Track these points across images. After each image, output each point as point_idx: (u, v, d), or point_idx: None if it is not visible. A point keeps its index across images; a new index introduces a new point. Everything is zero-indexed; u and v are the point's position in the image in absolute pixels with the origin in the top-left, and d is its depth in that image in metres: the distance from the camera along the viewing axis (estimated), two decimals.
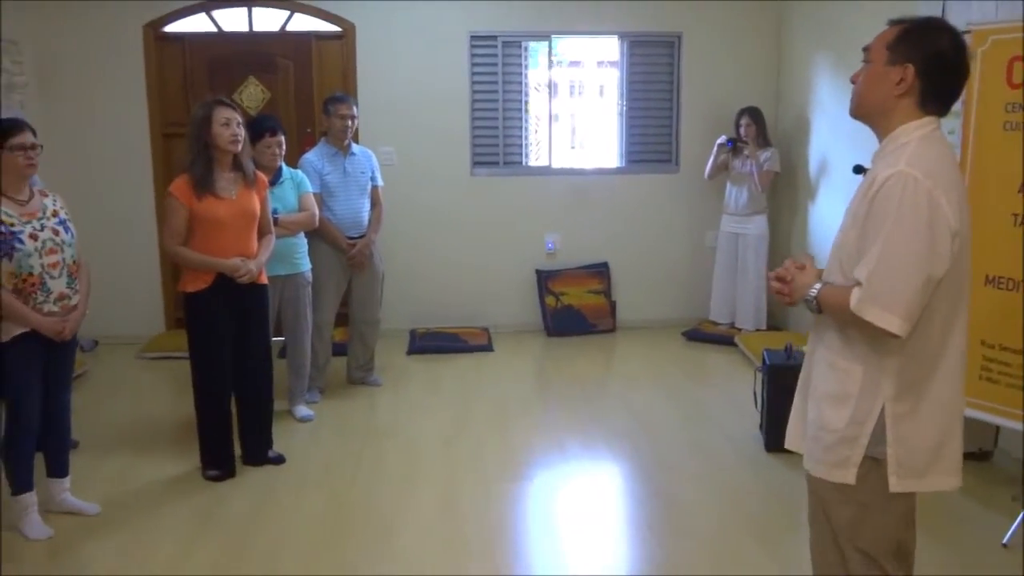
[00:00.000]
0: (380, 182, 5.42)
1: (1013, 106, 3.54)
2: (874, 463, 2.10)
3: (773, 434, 4.45)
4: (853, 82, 2.20)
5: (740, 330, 6.55)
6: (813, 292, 2.13)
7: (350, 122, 5.15)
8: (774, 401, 4.44)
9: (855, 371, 2.10)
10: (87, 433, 4.55)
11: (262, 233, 4.20)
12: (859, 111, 2.19)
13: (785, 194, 6.69)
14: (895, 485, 2.09)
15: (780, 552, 3.53)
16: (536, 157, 6.89)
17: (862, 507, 2.13)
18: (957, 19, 4.33)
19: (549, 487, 4.19)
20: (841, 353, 2.13)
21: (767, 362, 4.51)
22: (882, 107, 2.11)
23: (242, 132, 3.98)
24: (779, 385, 4.42)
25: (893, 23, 2.13)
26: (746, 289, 6.55)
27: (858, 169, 1.97)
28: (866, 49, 2.17)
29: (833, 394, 2.14)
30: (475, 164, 6.77)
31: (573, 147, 6.95)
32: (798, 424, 2.33)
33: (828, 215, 6.07)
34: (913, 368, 2.07)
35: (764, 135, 6.39)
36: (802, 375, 2.34)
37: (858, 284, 2.01)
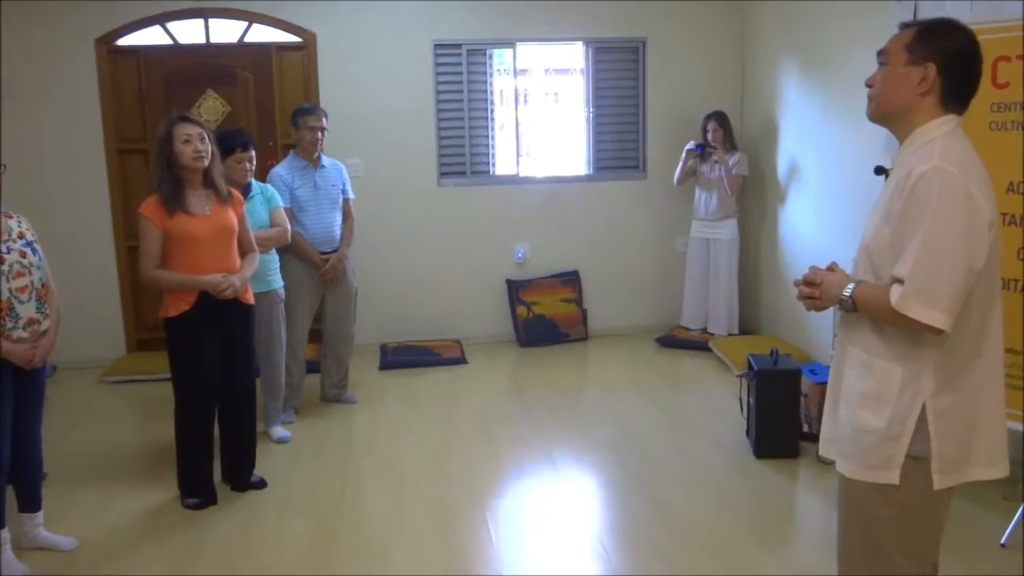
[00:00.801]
0: (351, 195, 5.30)
1: (999, 105, 3.57)
2: (915, 462, 2.07)
3: (762, 440, 4.44)
4: (869, 86, 2.21)
5: (712, 335, 6.54)
6: (848, 291, 2.11)
7: (320, 134, 5.03)
8: (762, 406, 4.42)
9: (894, 369, 2.08)
10: (56, 463, 4.34)
11: (244, 251, 4.06)
12: (879, 113, 2.18)
13: (753, 198, 6.70)
14: (939, 482, 2.06)
15: (777, 559, 3.51)
16: (502, 166, 6.81)
17: (905, 509, 2.10)
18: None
19: (542, 499, 4.11)
20: (878, 352, 2.11)
21: (754, 367, 4.48)
22: (904, 107, 2.11)
23: (207, 147, 3.83)
24: (766, 390, 4.42)
25: (906, 25, 2.14)
26: (718, 294, 6.53)
27: (879, 170, 1.95)
28: (882, 52, 2.17)
29: (871, 394, 2.11)
30: (442, 174, 6.67)
31: (523, 155, 6.85)
32: (831, 429, 2.28)
33: (798, 217, 6.09)
34: (952, 362, 2.05)
35: (731, 139, 6.41)
36: (831, 379, 2.30)
37: (897, 281, 1.99)
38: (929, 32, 2.08)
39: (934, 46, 2.06)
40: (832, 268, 2.26)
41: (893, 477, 2.08)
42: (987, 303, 2.08)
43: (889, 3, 4.73)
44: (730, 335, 6.49)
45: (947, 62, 2.05)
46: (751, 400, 4.56)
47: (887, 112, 2.15)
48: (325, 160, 5.15)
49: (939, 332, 1.96)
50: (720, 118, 6.37)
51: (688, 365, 6.16)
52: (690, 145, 6.41)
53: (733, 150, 6.39)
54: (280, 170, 5.01)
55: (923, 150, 2.04)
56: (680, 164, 6.47)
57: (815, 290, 2.20)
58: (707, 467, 4.39)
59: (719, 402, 5.29)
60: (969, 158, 2.04)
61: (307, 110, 5.07)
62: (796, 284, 2.27)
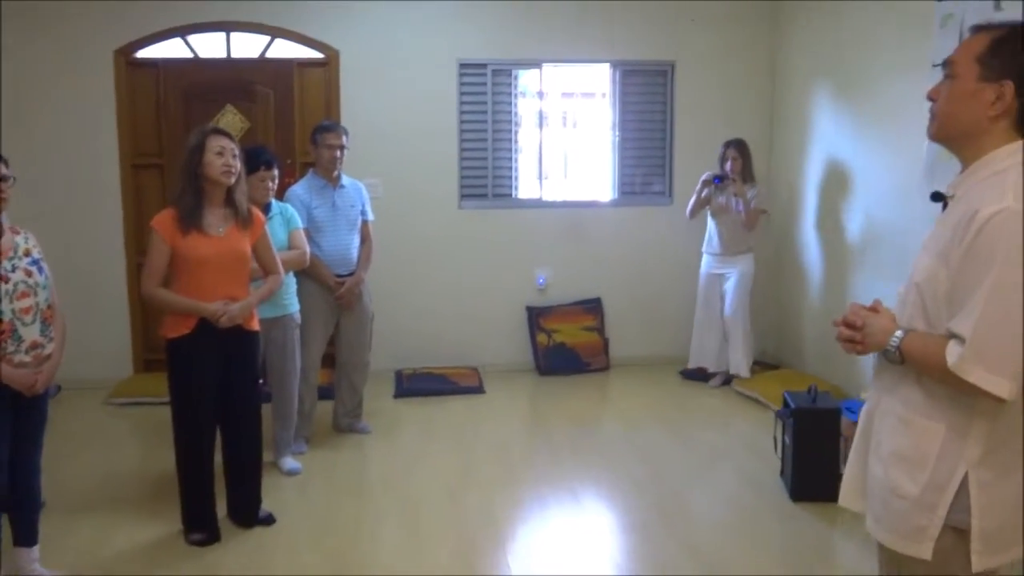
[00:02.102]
0: (371, 216, 5.11)
1: None
2: (955, 534, 1.83)
3: (799, 482, 4.21)
4: (931, 99, 1.93)
5: (712, 374, 6.21)
6: (895, 340, 1.86)
7: (339, 152, 4.86)
8: (799, 447, 4.20)
9: (936, 430, 1.84)
10: (54, 491, 4.13)
11: (268, 272, 3.88)
12: (943, 133, 1.92)
13: (779, 226, 6.48)
14: (978, 563, 1.82)
15: None
16: (525, 189, 6.63)
17: None
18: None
19: (567, 540, 3.89)
20: (919, 408, 1.87)
21: (791, 405, 4.26)
22: (973, 129, 1.85)
23: (237, 165, 3.66)
24: (804, 430, 4.20)
25: (980, 29, 1.86)
26: (735, 333, 6.05)
27: (937, 197, 1.75)
28: (948, 62, 1.89)
29: (907, 454, 1.88)
30: (463, 196, 6.49)
31: (547, 178, 6.66)
32: (856, 480, 2.06)
33: (827, 248, 5.87)
34: (1004, 427, 1.81)
35: (750, 170, 6.00)
36: (860, 427, 2.07)
37: (954, 337, 1.75)
38: (1008, 42, 1.80)
39: (1013, 60, 1.78)
40: (876, 308, 2.00)
41: (925, 551, 1.85)
42: None
43: (931, 27, 4.55)
44: (753, 374, 6.12)
45: None
46: (786, 439, 4.33)
47: (952, 134, 1.90)
48: (345, 180, 4.98)
49: (1000, 400, 1.72)
50: (740, 146, 5.98)
51: (713, 399, 5.93)
52: (707, 175, 6.00)
53: (751, 181, 5.99)
54: (298, 189, 4.84)
55: (991, 183, 1.78)
56: (695, 195, 6.09)
57: (857, 333, 1.95)
58: (741, 509, 4.17)
59: (748, 438, 5.06)
60: None
61: (327, 127, 4.90)
62: (836, 324, 2.02)
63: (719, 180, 5.97)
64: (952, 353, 1.74)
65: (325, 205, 4.84)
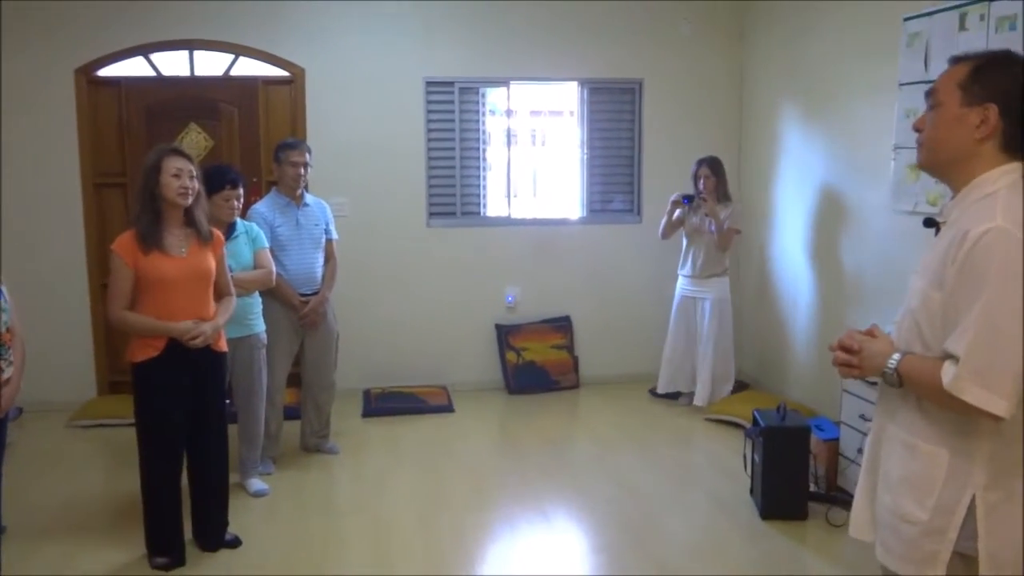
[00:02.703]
0: (335, 235, 5.08)
1: None
2: (962, 562, 1.84)
3: (769, 500, 4.21)
4: (917, 130, 1.97)
5: (686, 402, 6.07)
6: (892, 363, 1.87)
7: (303, 170, 4.82)
8: (768, 465, 4.21)
9: (940, 455, 1.85)
10: (15, 516, 4.04)
11: (221, 294, 3.82)
12: (932, 161, 1.96)
13: (747, 246, 6.51)
14: None
15: None
16: (493, 207, 6.63)
17: None
18: (943, 61, 4.25)
19: (538, 560, 3.86)
20: (922, 434, 1.88)
21: (760, 424, 4.27)
22: (961, 154, 1.88)
23: (195, 185, 3.61)
24: (774, 449, 4.21)
25: (958, 60, 1.91)
26: (704, 360, 5.90)
27: (929, 223, 1.77)
28: (932, 92, 1.94)
29: (913, 480, 1.89)
30: (431, 214, 6.48)
31: (515, 196, 6.66)
32: (865, 509, 2.07)
33: (798, 269, 5.90)
34: (1009, 450, 1.81)
35: (724, 189, 5.86)
36: (867, 454, 2.08)
37: (949, 357, 1.76)
38: (987, 68, 1.86)
39: (993, 84, 1.83)
40: (872, 332, 2.02)
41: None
42: None
43: (896, 46, 4.62)
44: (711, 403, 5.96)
45: (1009, 102, 1.82)
46: (756, 457, 4.34)
47: (942, 160, 1.93)
48: (309, 198, 4.95)
49: (998, 418, 1.74)
50: (713, 164, 5.84)
51: (683, 417, 5.92)
52: (675, 196, 5.90)
53: (726, 200, 5.84)
54: (261, 207, 4.80)
55: (982, 205, 1.81)
56: (665, 216, 5.99)
57: (854, 357, 1.97)
58: (711, 528, 4.16)
59: (718, 457, 5.07)
60: None
61: (290, 145, 4.87)
62: (832, 349, 2.03)
63: (688, 200, 5.87)
64: (947, 373, 1.75)
65: (289, 223, 4.81)
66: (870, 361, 1.93)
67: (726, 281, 5.98)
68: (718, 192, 5.85)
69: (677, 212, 5.97)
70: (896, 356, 1.88)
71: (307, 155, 4.86)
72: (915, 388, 1.87)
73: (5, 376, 3.15)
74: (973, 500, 1.82)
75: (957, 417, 1.82)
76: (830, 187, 5.45)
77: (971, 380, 1.72)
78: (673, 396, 6.21)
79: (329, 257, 5.04)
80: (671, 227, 6.03)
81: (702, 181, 5.86)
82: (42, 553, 3.85)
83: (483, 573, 3.71)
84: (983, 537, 1.81)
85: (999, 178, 1.85)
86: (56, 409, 5.90)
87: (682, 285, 6.08)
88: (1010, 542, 1.83)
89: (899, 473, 1.93)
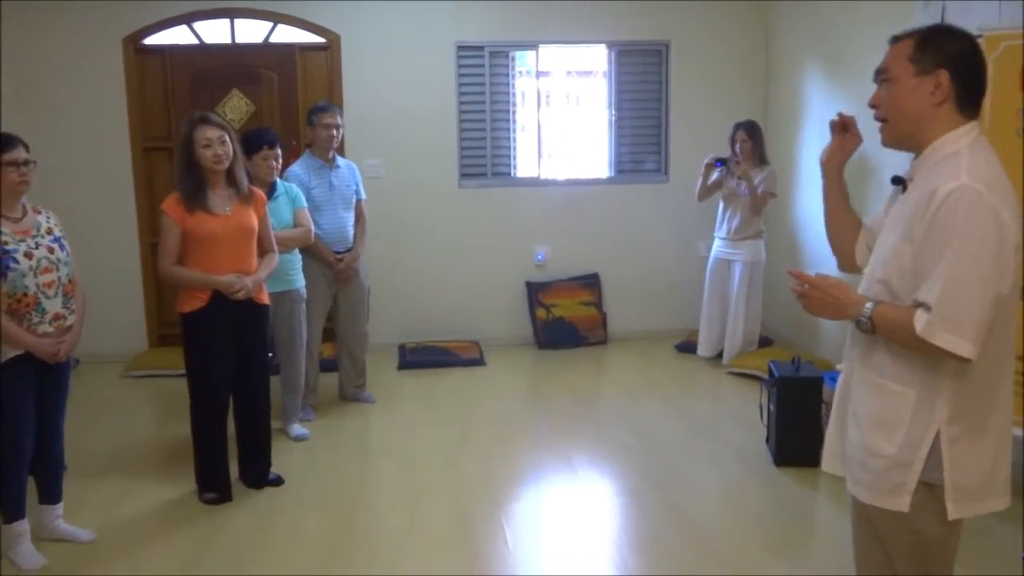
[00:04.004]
0: (364, 195, 5.32)
1: None
2: (928, 489, 2.02)
3: (782, 448, 4.41)
4: (874, 106, 2.12)
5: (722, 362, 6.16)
6: (867, 311, 2.02)
7: (335, 132, 5.04)
8: (782, 414, 4.40)
9: (908, 394, 2.02)
10: (76, 457, 4.36)
11: (264, 251, 4.09)
12: (896, 135, 2.09)
13: (774, 212, 6.56)
14: (953, 512, 2.01)
15: (793, 568, 3.48)
16: (523, 168, 6.82)
17: (918, 536, 2.05)
18: (960, 23, 4.34)
19: (559, 504, 4.10)
20: (891, 375, 2.05)
21: (775, 374, 4.45)
22: (922, 121, 2.03)
23: (228, 150, 3.85)
24: (787, 398, 4.39)
25: (899, 38, 2.06)
26: (736, 320, 6.05)
27: (897, 180, 1.88)
28: (881, 70, 2.09)
29: (882, 418, 2.06)
30: (463, 176, 6.69)
31: (545, 157, 6.83)
32: (836, 446, 2.25)
33: (824, 236, 5.95)
34: (969, 388, 1.99)
35: (761, 152, 5.93)
36: (837, 395, 2.25)
37: (920, 306, 1.93)
38: (931, 39, 2.00)
39: (940, 52, 1.98)
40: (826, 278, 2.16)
41: (903, 504, 2.03)
42: (1005, 330, 2.01)
43: (915, 3, 4.70)
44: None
45: (957, 66, 1.97)
46: (771, 407, 4.53)
47: (905, 131, 2.07)
48: (340, 161, 5.18)
49: (964, 360, 1.91)
50: (750, 128, 5.90)
51: (707, 371, 6.11)
52: (708, 159, 5.99)
53: (762, 164, 5.90)
54: (296, 169, 5.03)
55: (947, 164, 1.96)
56: (700, 179, 6.08)
57: (811, 289, 2.12)
58: (725, 474, 4.37)
59: (738, 409, 5.26)
60: (996, 173, 1.95)
61: (322, 108, 5.08)
62: (793, 274, 2.20)
63: (721, 163, 5.95)
64: (920, 320, 1.91)
65: (323, 184, 5.04)
66: (849, 307, 2.06)
67: (760, 244, 6.06)
68: (754, 156, 5.91)
69: (714, 176, 6.06)
70: (870, 305, 2.03)
71: (338, 117, 5.08)
72: (887, 334, 2.02)
73: (68, 323, 3.44)
74: (937, 435, 1.99)
75: (923, 360, 1.98)
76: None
77: (941, 326, 1.88)
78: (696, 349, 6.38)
79: (359, 216, 5.28)
80: (706, 190, 6.11)
81: (738, 144, 5.92)
82: (101, 489, 4.18)
83: (508, 512, 3.95)
84: (947, 467, 1.99)
85: (959, 138, 2.00)
86: (110, 361, 6.27)
87: (717, 247, 6.18)
88: (969, 470, 2.01)
89: (868, 411, 2.10)
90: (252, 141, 4.41)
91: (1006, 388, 2.06)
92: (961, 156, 1.96)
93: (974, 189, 1.87)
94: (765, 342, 6.40)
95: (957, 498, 2.01)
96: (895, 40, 2.06)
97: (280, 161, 4.59)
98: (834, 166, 2.45)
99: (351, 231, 5.19)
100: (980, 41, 3.49)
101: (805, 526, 3.89)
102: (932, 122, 2.02)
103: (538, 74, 6.72)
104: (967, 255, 1.87)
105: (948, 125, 2.01)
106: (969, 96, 2.01)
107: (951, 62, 1.97)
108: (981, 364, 1.96)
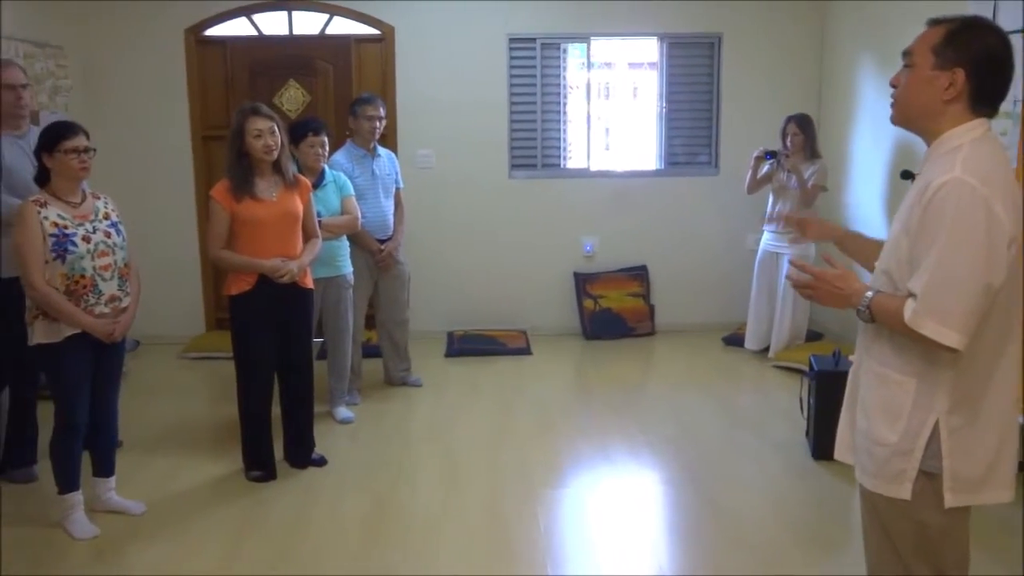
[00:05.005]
0: (402, 184, 5.44)
1: None
2: (928, 478, 2.04)
3: (820, 441, 4.39)
4: (893, 86, 2.13)
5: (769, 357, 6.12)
6: (866, 300, 2.06)
7: (378, 123, 5.15)
8: (821, 408, 4.38)
9: (908, 384, 2.05)
10: (131, 433, 4.57)
11: (308, 236, 4.21)
12: (903, 118, 2.12)
13: (824, 206, 6.49)
14: (950, 500, 2.03)
15: (830, 561, 3.49)
16: (574, 159, 6.86)
17: (920, 524, 2.08)
18: (1008, 18, 4.27)
19: (595, 493, 4.15)
20: (893, 365, 2.08)
21: (815, 368, 4.45)
22: (929, 113, 2.04)
23: (277, 140, 3.98)
24: (827, 392, 4.36)
25: (935, 23, 2.05)
26: (783, 315, 6.00)
27: (906, 174, 1.90)
28: (908, 52, 2.09)
29: (885, 407, 2.09)
30: (513, 167, 6.75)
31: (607, 149, 6.87)
32: (847, 435, 2.28)
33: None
34: (968, 380, 2.01)
35: (812, 146, 5.86)
36: (849, 385, 2.28)
37: (912, 296, 1.96)
38: (959, 34, 1.99)
39: (964, 50, 1.97)
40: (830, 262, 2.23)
41: (904, 492, 2.06)
42: (1005, 323, 2.02)
43: (968, 3, 4.63)
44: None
45: (977, 66, 1.97)
46: (811, 401, 4.52)
47: (911, 118, 2.09)
48: (380, 150, 5.29)
49: (953, 350, 1.93)
50: (802, 121, 5.85)
51: (753, 365, 6.10)
52: (759, 151, 5.95)
53: (813, 158, 5.84)
54: (339, 158, 5.12)
55: (946, 158, 1.97)
56: (750, 172, 6.05)
57: (816, 281, 2.18)
58: (764, 467, 4.38)
59: (781, 403, 5.24)
60: (996, 168, 1.96)
61: (365, 100, 5.19)
62: (794, 264, 2.29)
63: (771, 156, 5.91)
64: (908, 309, 1.95)
65: (365, 174, 5.15)
66: (852, 296, 2.11)
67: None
68: (805, 149, 5.85)
69: (764, 168, 6.03)
70: (869, 294, 2.07)
71: (381, 109, 5.18)
72: (884, 323, 2.06)
73: (123, 305, 3.60)
74: (937, 424, 2.02)
75: (923, 350, 2.00)
76: (906, 142, 5.48)
77: (928, 316, 1.91)
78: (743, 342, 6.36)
79: (398, 204, 5.40)
80: (756, 183, 6.08)
81: (789, 137, 5.89)
82: (153, 465, 4.37)
83: (542, 498, 4.02)
84: (946, 456, 2.02)
85: (964, 134, 2.00)
86: (168, 343, 6.49)
87: (766, 240, 6.14)
88: (969, 460, 2.03)
89: (873, 400, 2.13)
90: (298, 129, 4.56)
91: (1009, 381, 2.06)
92: (961, 151, 1.97)
93: (965, 182, 1.90)
94: (814, 336, 6.37)
95: (955, 487, 2.03)
96: (932, 23, 2.05)
97: (327, 149, 4.71)
98: (829, 239, 2.61)
99: (391, 219, 5.31)
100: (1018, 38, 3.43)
101: (839, 520, 3.87)
102: (940, 116, 2.03)
103: (589, 66, 6.74)
104: (954, 246, 1.89)
105: (955, 121, 2.02)
106: (985, 97, 2.01)
107: (972, 61, 1.97)
108: (980, 355, 1.99)
